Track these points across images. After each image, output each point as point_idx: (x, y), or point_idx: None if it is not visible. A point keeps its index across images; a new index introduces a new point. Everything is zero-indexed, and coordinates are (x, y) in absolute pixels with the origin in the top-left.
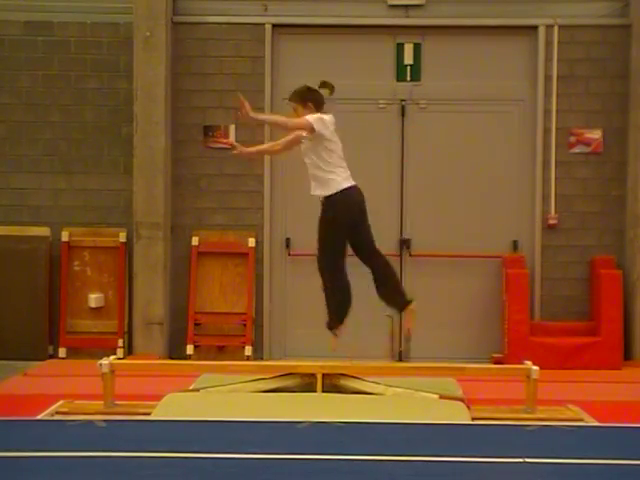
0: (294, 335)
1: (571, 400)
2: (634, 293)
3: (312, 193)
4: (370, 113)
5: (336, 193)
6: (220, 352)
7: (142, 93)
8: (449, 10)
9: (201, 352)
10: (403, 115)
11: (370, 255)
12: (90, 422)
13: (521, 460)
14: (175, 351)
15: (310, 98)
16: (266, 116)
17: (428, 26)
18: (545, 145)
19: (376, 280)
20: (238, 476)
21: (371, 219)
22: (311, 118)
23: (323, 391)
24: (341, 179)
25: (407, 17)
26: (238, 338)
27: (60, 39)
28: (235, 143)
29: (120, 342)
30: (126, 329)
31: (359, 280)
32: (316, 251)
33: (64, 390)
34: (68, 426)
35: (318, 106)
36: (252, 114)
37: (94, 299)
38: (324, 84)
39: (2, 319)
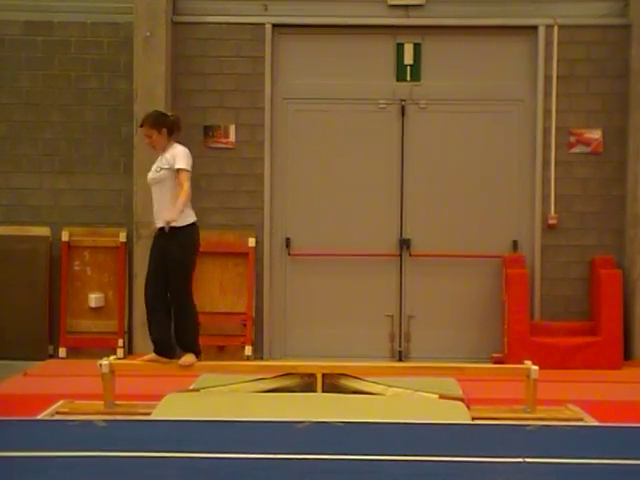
0: (294, 335)
1: (571, 400)
2: (634, 293)
3: (161, 225)
4: (370, 113)
5: (192, 224)
6: (220, 352)
7: (142, 93)
8: (449, 10)
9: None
10: (403, 115)
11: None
12: (90, 422)
13: (521, 460)
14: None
15: (164, 124)
16: (180, 206)
17: (428, 26)
18: (545, 145)
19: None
20: (238, 476)
21: (371, 219)
22: (186, 166)
23: (323, 391)
24: (192, 213)
25: (407, 17)
26: (238, 338)
27: (60, 39)
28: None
29: (120, 342)
30: (126, 329)
31: (359, 280)
32: (179, 279)
33: (64, 390)
34: (68, 426)
35: (171, 132)
36: (174, 217)
37: (94, 299)
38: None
39: (2, 319)
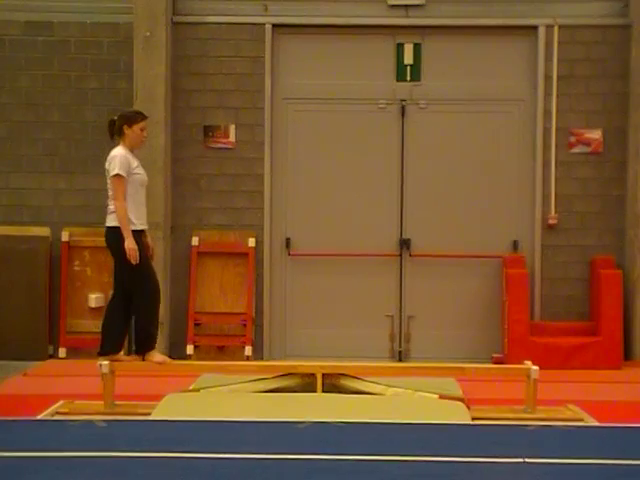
0: (294, 335)
1: (571, 400)
2: (634, 293)
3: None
4: (370, 113)
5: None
6: (220, 352)
7: (142, 93)
8: (449, 10)
9: (201, 352)
10: (403, 115)
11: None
12: (90, 422)
13: (521, 460)
14: (175, 351)
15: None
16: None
17: (428, 26)
18: (545, 145)
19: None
20: (238, 476)
21: (371, 219)
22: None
23: (323, 391)
24: None
25: (407, 17)
26: (238, 338)
27: (60, 39)
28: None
29: None
30: None
31: (359, 280)
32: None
33: (64, 390)
34: (68, 426)
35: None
36: (131, 245)
37: (94, 299)
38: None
39: (2, 319)
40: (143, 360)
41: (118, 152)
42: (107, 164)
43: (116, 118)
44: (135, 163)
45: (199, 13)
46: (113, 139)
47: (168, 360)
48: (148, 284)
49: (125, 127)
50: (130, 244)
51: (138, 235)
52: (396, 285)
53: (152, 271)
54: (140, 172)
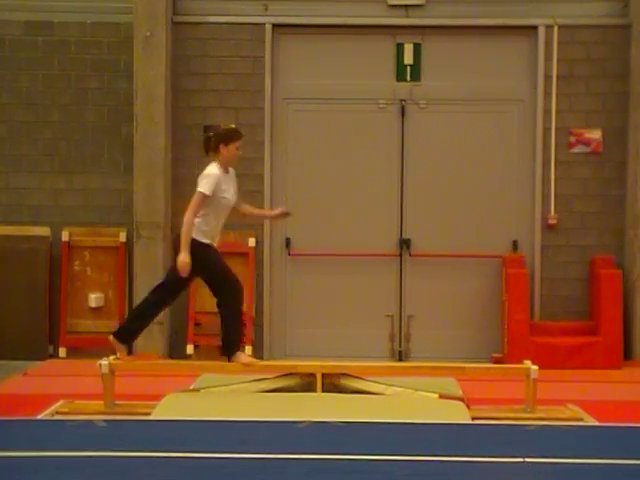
0: (294, 335)
1: (571, 400)
2: (634, 293)
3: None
4: (370, 113)
5: None
6: (220, 352)
7: (142, 93)
8: (449, 10)
9: (201, 352)
10: (403, 115)
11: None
12: (90, 422)
13: (521, 460)
14: (175, 351)
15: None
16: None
17: (428, 26)
18: (545, 145)
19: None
20: (238, 476)
21: (371, 219)
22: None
23: (323, 391)
24: None
25: (407, 17)
26: None
27: (60, 39)
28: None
29: None
30: None
31: (359, 280)
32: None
33: (64, 390)
34: (68, 426)
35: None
36: (185, 259)
37: (94, 299)
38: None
39: (2, 319)
40: (229, 361)
41: (214, 172)
42: (200, 178)
43: (212, 135)
44: (224, 186)
45: (199, 13)
46: (208, 154)
47: (255, 361)
48: (232, 289)
49: (222, 146)
50: (184, 258)
51: (207, 246)
52: (396, 285)
53: (232, 275)
54: (227, 197)
